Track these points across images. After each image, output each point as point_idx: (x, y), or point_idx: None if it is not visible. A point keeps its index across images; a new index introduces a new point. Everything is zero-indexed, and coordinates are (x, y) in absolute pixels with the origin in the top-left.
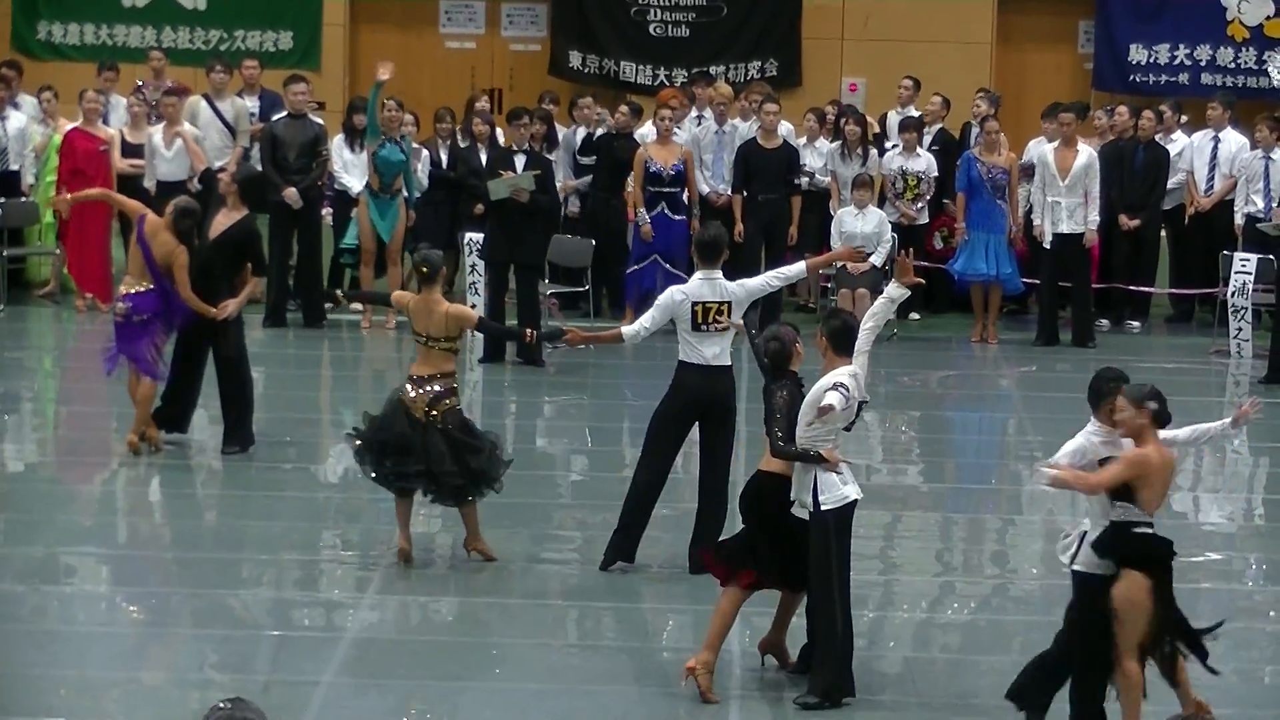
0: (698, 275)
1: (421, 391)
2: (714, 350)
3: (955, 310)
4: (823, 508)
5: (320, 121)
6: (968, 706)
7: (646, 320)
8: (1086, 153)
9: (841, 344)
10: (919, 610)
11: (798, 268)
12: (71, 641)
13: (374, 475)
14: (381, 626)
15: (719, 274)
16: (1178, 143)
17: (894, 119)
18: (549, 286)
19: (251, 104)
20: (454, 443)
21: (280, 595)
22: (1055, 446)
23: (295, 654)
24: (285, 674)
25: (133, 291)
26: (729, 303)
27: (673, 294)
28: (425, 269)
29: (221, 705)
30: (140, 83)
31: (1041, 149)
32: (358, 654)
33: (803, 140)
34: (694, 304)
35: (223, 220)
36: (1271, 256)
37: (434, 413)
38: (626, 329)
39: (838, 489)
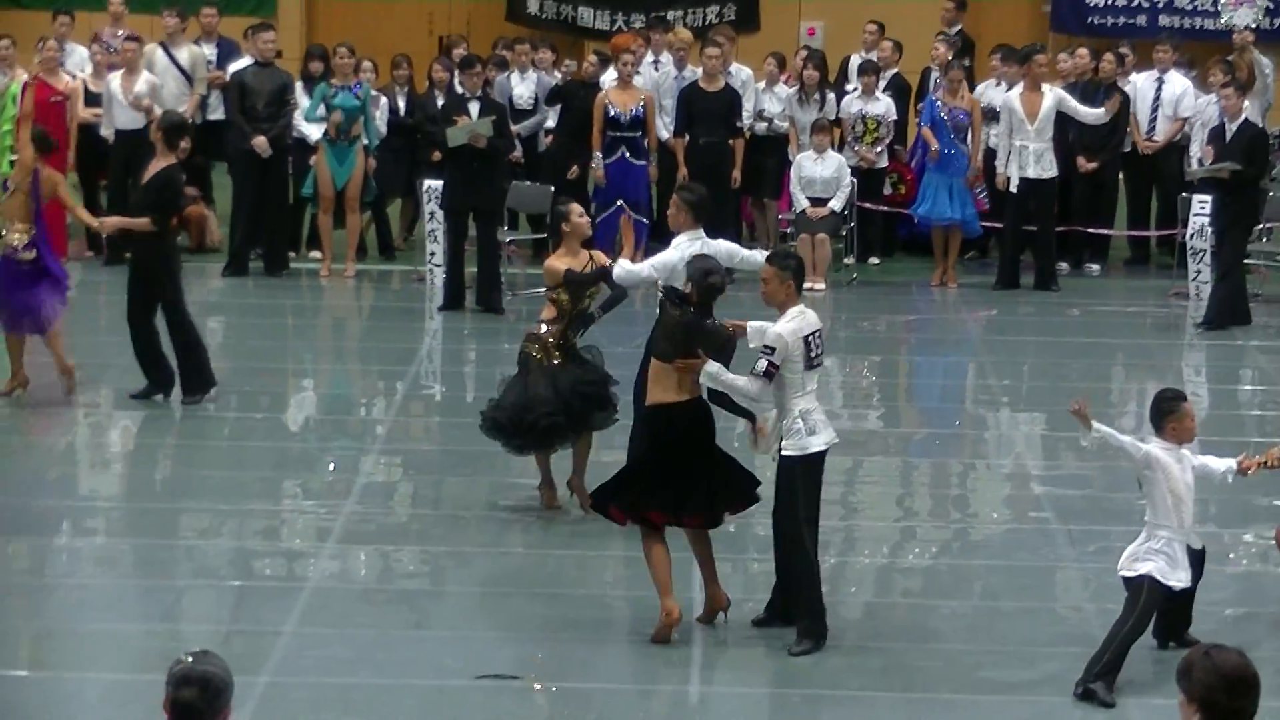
0: (685, 236)
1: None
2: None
3: (911, 254)
4: (785, 453)
5: (288, 70)
6: (929, 650)
7: (645, 270)
8: (1053, 94)
9: (802, 281)
10: (880, 555)
11: (757, 258)
12: (33, 593)
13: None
14: (343, 576)
15: (703, 233)
16: (1129, 85)
17: (855, 62)
18: (508, 234)
19: (209, 51)
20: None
21: (242, 545)
22: (1017, 390)
23: (257, 604)
24: (247, 624)
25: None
26: None
27: (672, 257)
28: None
29: (184, 658)
30: (98, 33)
31: (1008, 95)
32: (319, 604)
33: (762, 84)
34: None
35: (153, 166)
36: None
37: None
38: (623, 267)
39: (801, 437)
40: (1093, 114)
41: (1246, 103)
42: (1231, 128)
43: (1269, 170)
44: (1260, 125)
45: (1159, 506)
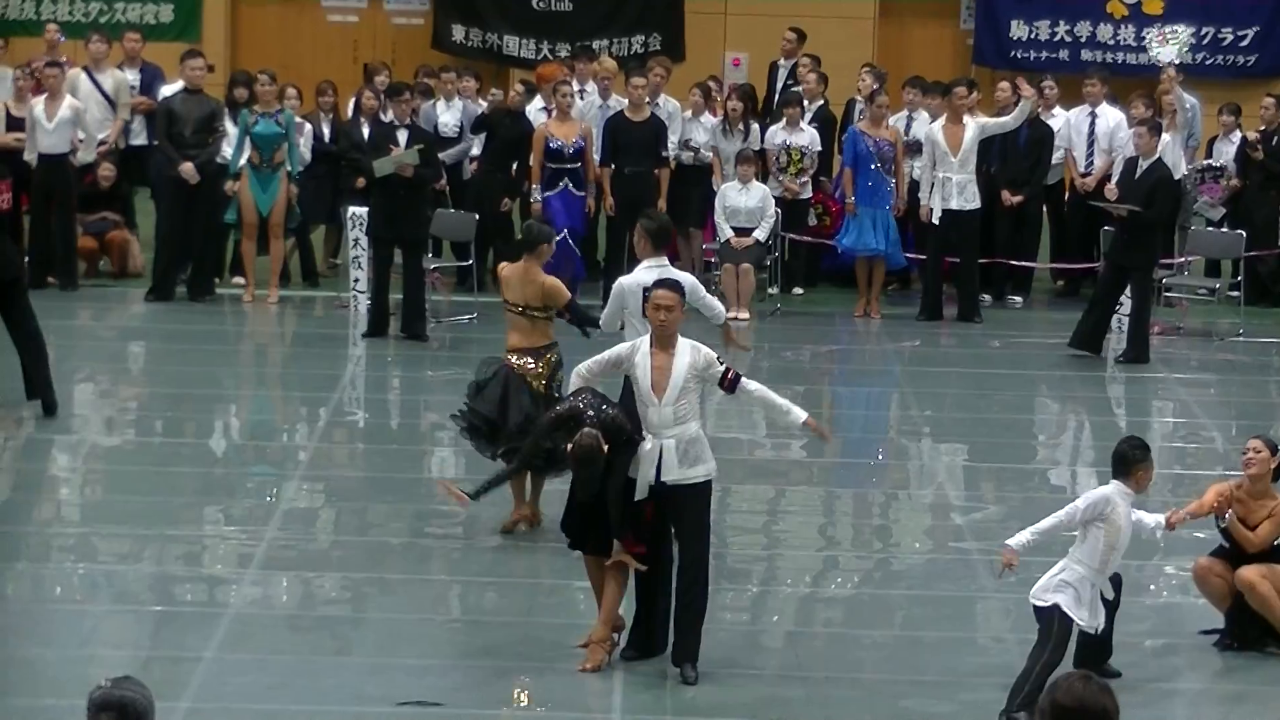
0: (646, 263)
1: (530, 363)
2: None
3: (835, 285)
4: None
5: (217, 98)
6: (850, 680)
7: (604, 318)
8: (974, 125)
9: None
10: (802, 585)
11: (714, 306)
12: None
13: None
14: (264, 602)
15: (665, 261)
16: (1057, 119)
17: (783, 72)
18: (432, 261)
19: (132, 77)
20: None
21: (162, 570)
22: (940, 421)
23: (177, 630)
24: (167, 650)
25: None
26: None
27: (622, 284)
28: (528, 237)
29: (104, 683)
30: (31, 60)
31: (930, 127)
32: (240, 630)
33: (688, 114)
34: (646, 289)
35: None
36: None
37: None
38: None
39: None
40: (1010, 118)
41: (1167, 137)
42: (1143, 165)
43: (1182, 211)
44: (1175, 166)
45: (1088, 548)
